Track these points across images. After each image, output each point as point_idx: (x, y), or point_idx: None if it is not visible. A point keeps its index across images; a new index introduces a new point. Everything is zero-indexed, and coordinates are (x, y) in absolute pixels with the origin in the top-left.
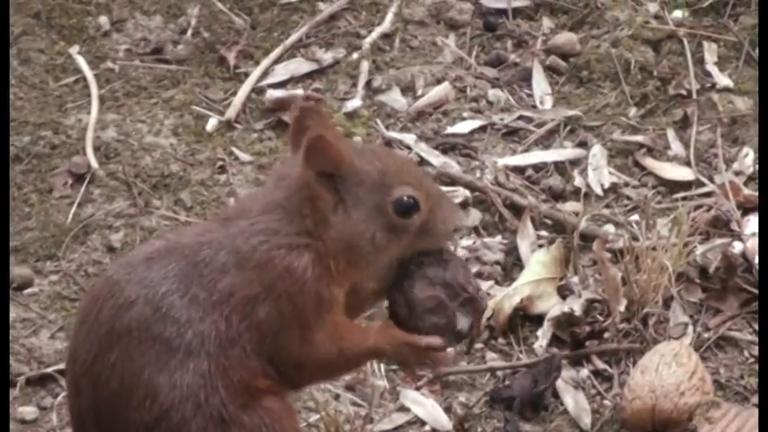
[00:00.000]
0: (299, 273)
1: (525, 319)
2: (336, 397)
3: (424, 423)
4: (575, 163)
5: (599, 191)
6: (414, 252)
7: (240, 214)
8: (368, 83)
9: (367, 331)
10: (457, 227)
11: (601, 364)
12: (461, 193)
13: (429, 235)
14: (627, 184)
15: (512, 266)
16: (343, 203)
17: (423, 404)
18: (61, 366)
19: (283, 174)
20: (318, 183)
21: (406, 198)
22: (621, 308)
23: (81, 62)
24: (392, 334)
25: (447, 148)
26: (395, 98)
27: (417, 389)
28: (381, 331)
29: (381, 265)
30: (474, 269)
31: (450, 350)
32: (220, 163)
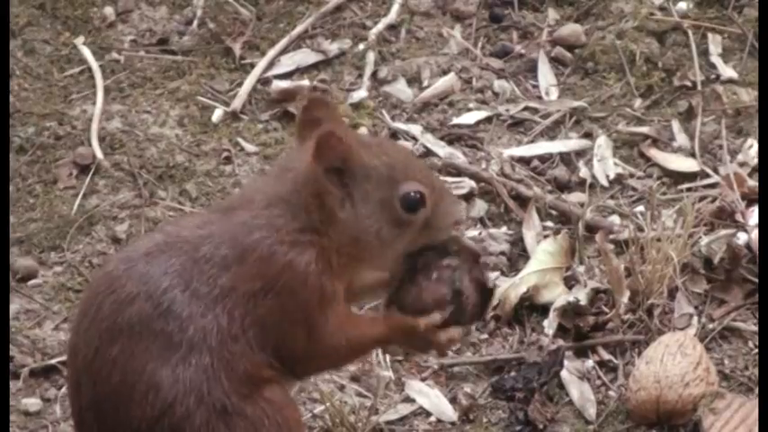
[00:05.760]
0: (301, 267)
1: (531, 309)
2: (342, 388)
3: (429, 414)
4: (580, 154)
5: (604, 182)
6: (417, 245)
7: (242, 205)
8: (374, 74)
9: (372, 320)
10: (458, 220)
11: (606, 355)
12: (467, 184)
13: (432, 229)
14: (632, 175)
15: (517, 257)
16: (351, 198)
17: (428, 395)
18: (65, 358)
19: (288, 166)
20: (326, 178)
21: (413, 193)
22: (625, 299)
23: (86, 53)
24: (396, 320)
25: (453, 138)
26: (401, 89)
27: (422, 380)
28: (385, 319)
29: (386, 259)
30: None
31: (453, 331)
32: (226, 154)
